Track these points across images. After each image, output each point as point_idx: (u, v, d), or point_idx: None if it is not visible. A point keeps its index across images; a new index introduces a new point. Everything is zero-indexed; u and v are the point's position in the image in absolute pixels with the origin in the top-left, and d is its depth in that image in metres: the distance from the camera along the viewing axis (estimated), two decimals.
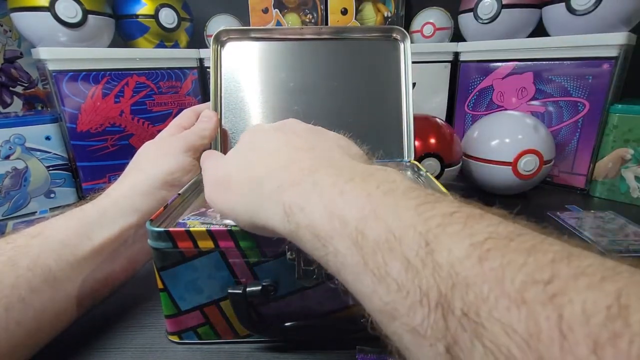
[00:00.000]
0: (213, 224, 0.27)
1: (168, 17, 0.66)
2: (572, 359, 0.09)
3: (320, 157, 0.21)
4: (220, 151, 0.43)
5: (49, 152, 0.59)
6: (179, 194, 0.32)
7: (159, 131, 0.40)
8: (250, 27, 0.50)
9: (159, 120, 0.66)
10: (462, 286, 0.12)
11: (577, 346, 0.09)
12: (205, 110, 0.42)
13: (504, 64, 0.64)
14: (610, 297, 0.09)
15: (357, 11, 0.69)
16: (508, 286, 0.11)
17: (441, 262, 0.13)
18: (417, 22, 0.71)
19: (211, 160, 0.27)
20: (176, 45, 0.69)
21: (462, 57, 0.69)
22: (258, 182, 0.21)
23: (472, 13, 0.65)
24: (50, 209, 0.60)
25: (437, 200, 0.15)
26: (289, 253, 0.25)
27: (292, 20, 0.70)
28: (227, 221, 0.28)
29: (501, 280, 0.11)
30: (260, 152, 0.23)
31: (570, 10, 0.55)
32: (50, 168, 0.59)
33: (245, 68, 0.43)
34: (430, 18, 0.70)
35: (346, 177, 0.18)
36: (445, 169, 0.52)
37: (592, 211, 0.52)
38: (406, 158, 0.42)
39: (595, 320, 0.09)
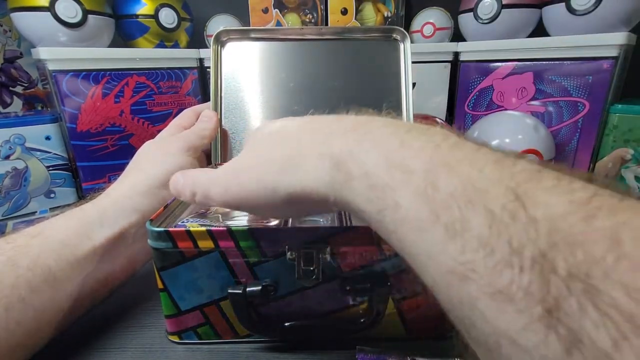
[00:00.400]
0: (213, 225, 0.27)
1: (168, 17, 0.66)
2: None
3: (369, 115, 0.19)
4: (220, 151, 0.43)
5: (49, 152, 0.59)
6: None
7: (159, 131, 0.40)
8: (251, 28, 0.50)
9: (159, 120, 0.66)
10: (566, 245, 0.10)
11: None
12: (206, 110, 0.42)
13: (504, 64, 0.64)
14: None
15: (357, 11, 0.69)
16: (629, 247, 0.10)
17: (537, 217, 0.11)
18: (417, 22, 0.71)
19: (209, 171, 0.23)
20: (176, 45, 0.69)
21: (462, 57, 0.69)
22: (293, 149, 0.18)
23: (472, 13, 0.65)
24: (50, 209, 0.60)
25: (516, 157, 0.14)
26: (289, 253, 0.25)
27: (292, 20, 0.70)
28: (229, 222, 0.28)
29: (618, 240, 0.10)
30: (294, 131, 0.20)
31: (570, 10, 0.55)
32: (50, 168, 0.59)
33: (245, 68, 0.43)
34: (430, 18, 0.70)
35: (405, 129, 0.16)
36: None
37: None
38: None
39: None
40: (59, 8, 0.54)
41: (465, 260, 0.12)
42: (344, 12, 0.69)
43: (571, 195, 0.11)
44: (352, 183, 0.16)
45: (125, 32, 0.66)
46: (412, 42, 0.53)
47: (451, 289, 0.13)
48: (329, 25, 0.70)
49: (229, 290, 0.26)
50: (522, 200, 0.12)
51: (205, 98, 0.72)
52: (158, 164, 0.35)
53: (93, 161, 0.61)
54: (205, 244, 0.25)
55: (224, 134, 0.43)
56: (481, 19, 0.64)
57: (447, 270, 0.12)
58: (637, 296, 0.09)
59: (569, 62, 0.57)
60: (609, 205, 0.11)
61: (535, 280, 0.10)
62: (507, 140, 0.54)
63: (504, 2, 0.61)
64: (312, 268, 0.25)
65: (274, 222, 0.28)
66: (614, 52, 0.54)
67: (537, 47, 0.60)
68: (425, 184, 0.14)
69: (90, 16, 0.57)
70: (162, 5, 0.64)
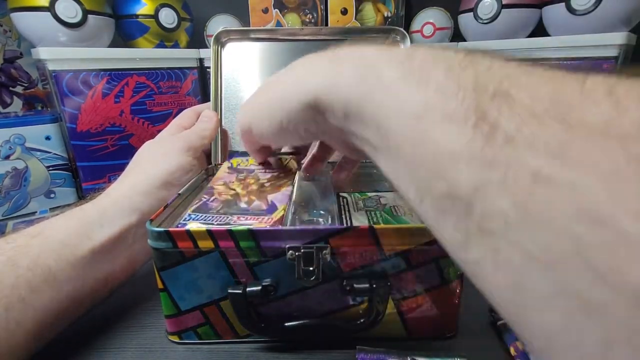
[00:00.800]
0: (213, 225, 0.27)
1: (168, 17, 0.66)
2: (589, 100, 0.12)
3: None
4: (221, 151, 0.43)
5: (49, 152, 0.59)
6: (179, 194, 0.32)
7: (159, 131, 0.40)
8: (251, 28, 0.50)
9: (159, 120, 0.66)
10: (497, 79, 0.14)
11: (595, 91, 0.12)
12: (206, 110, 0.42)
13: None
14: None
15: (357, 11, 0.69)
16: (539, 72, 0.14)
17: (480, 68, 0.15)
18: (417, 22, 0.71)
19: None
20: (176, 45, 0.69)
21: None
22: (292, 74, 0.23)
23: (472, 13, 0.65)
24: (50, 209, 0.60)
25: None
26: (289, 253, 0.25)
27: (292, 20, 0.70)
28: (229, 220, 0.28)
29: (531, 73, 0.14)
30: (295, 64, 0.24)
31: (570, 10, 0.55)
32: (50, 168, 0.59)
33: (245, 68, 0.43)
34: (430, 18, 0.70)
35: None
36: None
37: None
38: None
39: (612, 80, 0.12)
40: (59, 8, 0.54)
41: (426, 101, 0.15)
42: (344, 12, 0.69)
43: (510, 60, 0.15)
44: (343, 68, 0.19)
45: (125, 32, 0.66)
46: (412, 42, 0.53)
47: (409, 129, 0.15)
48: (329, 25, 0.70)
49: (229, 290, 0.26)
50: (471, 59, 0.15)
51: (205, 98, 0.72)
52: (158, 164, 0.35)
53: (93, 161, 0.61)
54: (205, 244, 0.25)
55: (224, 134, 0.43)
56: (481, 19, 0.64)
57: (411, 113, 0.15)
58: (536, 99, 0.13)
59: (569, 62, 0.57)
60: (530, 64, 0.15)
61: (472, 101, 0.14)
62: None
63: (504, 2, 0.61)
64: (312, 268, 0.26)
65: (273, 222, 0.28)
66: (614, 52, 0.54)
67: (537, 47, 0.60)
68: (405, 57, 0.17)
69: (90, 16, 0.57)
70: (162, 5, 0.64)
